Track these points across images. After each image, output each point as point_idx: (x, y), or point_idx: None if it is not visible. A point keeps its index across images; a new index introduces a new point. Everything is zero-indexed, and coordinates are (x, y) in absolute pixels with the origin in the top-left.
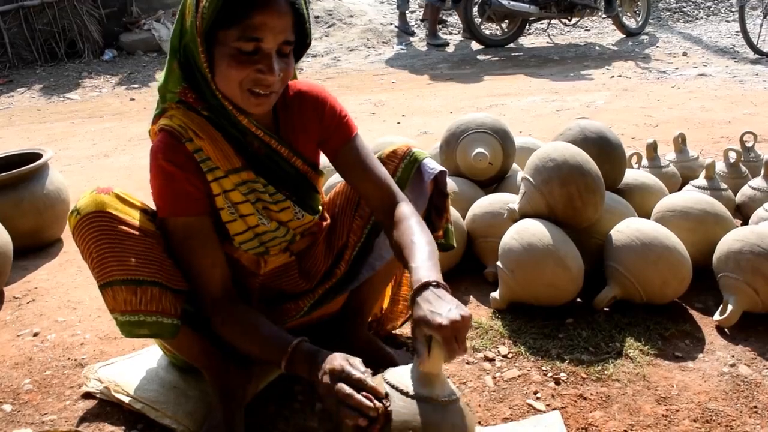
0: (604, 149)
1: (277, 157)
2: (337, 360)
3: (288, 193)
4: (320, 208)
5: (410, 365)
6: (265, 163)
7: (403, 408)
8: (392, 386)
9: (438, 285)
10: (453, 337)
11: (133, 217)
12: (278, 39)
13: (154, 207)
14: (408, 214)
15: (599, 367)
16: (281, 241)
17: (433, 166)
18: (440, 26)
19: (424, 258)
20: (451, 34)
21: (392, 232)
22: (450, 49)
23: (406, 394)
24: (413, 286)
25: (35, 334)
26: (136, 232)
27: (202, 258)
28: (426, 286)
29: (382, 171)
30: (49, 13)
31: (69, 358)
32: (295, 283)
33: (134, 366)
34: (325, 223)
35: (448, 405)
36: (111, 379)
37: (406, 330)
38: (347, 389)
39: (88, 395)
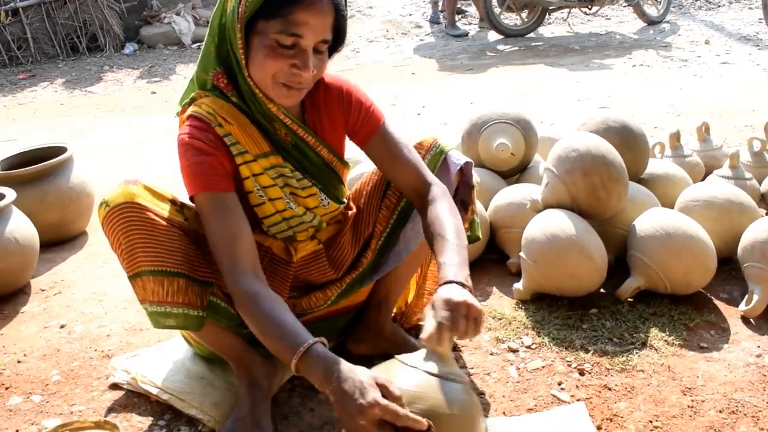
0: (627, 139)
1: (304, 145)
2: (368, 390)
3: (314, 180)
4: (345, 198)
5: (423, 350)
6: (291, 151)
7: (420, 385)
8: (406, 364)
9: (464, 286)
10: (464, 315)
11: (161, 208)
12: (317, 37)
13: (181, 198)
14: (439, 198)
15: (623, 358)
16: (308, 226)
17: (459, 157)
18: (459, 16)
19: (453, 254)
20: (470, 24)
21: (425, 217)
22: (468, 39)
23: (425, 372)
24: (439, 282)
25: (62, 326)
26: (164, 223)
27: (228, 228)
28: (450, 283)
29: (414, 156)
30: (70, 8)
31: (96, 350)
32: (323, 271)
33: (160, 357)
34: (350, 212)
35: (462, 383)
36: (138, 370)
37: None
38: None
39: (115, 386)
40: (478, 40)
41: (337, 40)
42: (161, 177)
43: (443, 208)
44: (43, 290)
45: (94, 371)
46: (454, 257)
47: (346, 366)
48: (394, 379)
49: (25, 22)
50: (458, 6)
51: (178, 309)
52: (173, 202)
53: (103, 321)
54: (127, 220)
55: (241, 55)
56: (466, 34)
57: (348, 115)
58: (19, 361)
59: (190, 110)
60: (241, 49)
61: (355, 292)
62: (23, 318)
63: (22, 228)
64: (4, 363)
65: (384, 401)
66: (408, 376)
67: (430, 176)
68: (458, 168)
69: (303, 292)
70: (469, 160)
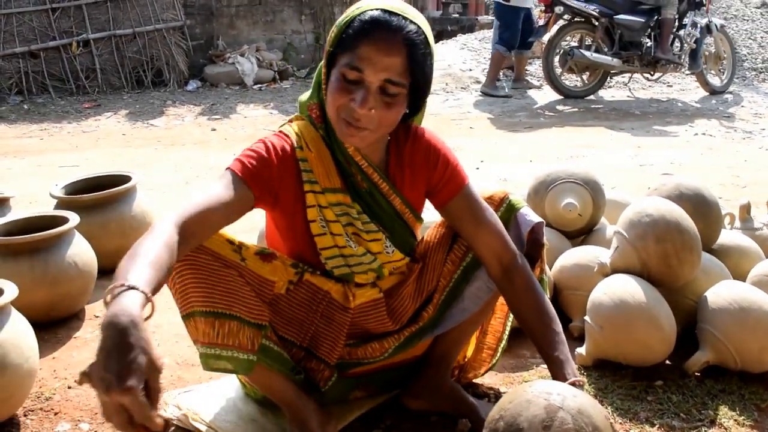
0: (701, 207)
1: (377, 191)
2: (131, 374)
3: (381, 227)
4: (413, 251)
5: None
6: (364, 196)
7: None
8: None
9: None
10: None
11: (216, 248)
12: (380, 75)
13: (239, 238)
14: (529, 275)
15: None
16: (367, 268)
17: (531, 216)
18: (525, 81)
19: (565, 350)
20: (533, 81)
21: (513, 298)
22: (526, 98)
23: None
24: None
25: None
26: (218, 263)
27: (210, 194)
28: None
29: (497, 221)
30: (139, 42)
31: None
32: (382, 321)
33: (213, 395)
34: (417, 265)
35: None
36: (189, 407)
37: (487, 380)
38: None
39: (164, 421)
40: (539, 100)
41: (418, 86)
42: None
43: (539, 289)
44: (97, 317)
45: None
46: (566, 353)
47: (133, 331)
48: None
49: (94, 53)
50: (526, 80)
51: (228, 351)
52: (230, 242)
53: None
54: (181, 260)
55: (324, 88)
56: (509, 96)
57: (433, 171)
58: (69, 387)
59: (283, 126)
60: (325, 83)
61: (413, 345)
62: (76, 343)
63: (82, 253)
64: (54, 388)
65: (141, 398)
66: None
67: (514, 249)
68: (529, 228)
69: (360, 341)
70: (541, 220)
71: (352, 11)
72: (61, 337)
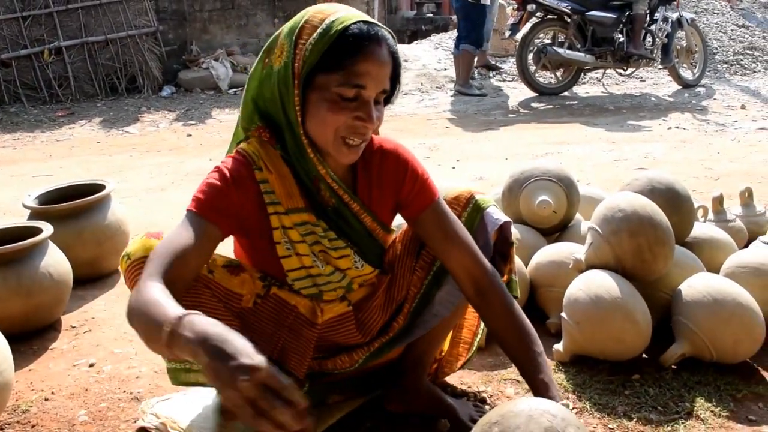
0: (673, 201)
1: (346, 210)
2: (255, 354)
3: (349, 242)
4: (382, 262)
5: None
6: (330, 213)
7: None
8: None
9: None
10: None
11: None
12: (378, 87)
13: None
14: (509, 303)
15: (669, 428)
16: (336, 286)
17: (498, 216)
18: (492, 73)
19: (548, 371)
20: (505, 81)
21: (490, 320)
22: (501, 96)
23: None
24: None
25: (91, 365)
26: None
27: (183, 242)
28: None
29: (468, 239)
30: (112, 49)
31: (124, 391)
32: (350, 335)
33: (191, 403)
34: (386, 276)
35: None
36: (168, 415)
37: (466, 379)
38: (271, 400)
39: (143, 430)
40: (513, 97)
41: (392, 90)
42: None
43: (516, 309)
44: (73, 327)
45: (122, 413)
46: (549, 372)
47: (229, 330)
48: None
49: (67, 60)
50: (493, 63)
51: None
52: None
53: (133, 362)
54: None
55: (297, 113)
56: (484, 95)
57: (402, 185)
58: (46, 399)
59: (239, 146)
60: (298, 106)
61: (383, 355)
62: (52, 355)
63: (57, 263)
64: (31, 400)
65: (272, 368)
66: None
67: (487, 265)
68: (496, 227)
69: (329, 354)
70: (508, 219)
71: (325, 28)
72: (37, 348)
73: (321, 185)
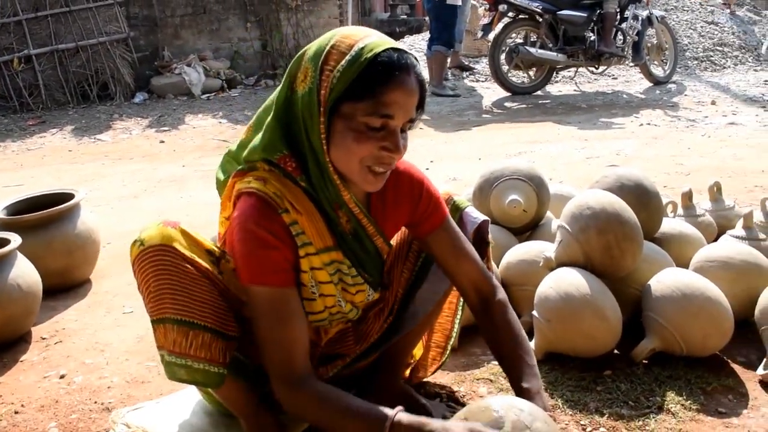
0: (641, 197)
1: (363, 234)
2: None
3: (366, 275)
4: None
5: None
6: (351, 243)
7: None
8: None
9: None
10: None
11: (197, 257)
12: (406, 117)
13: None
14: (508, 307)
15: (640, 422)
16: (347, 318)
17: (476, 215)
18: (466, 73)
19: (538, 383)
20: (478, 81)
21: (490, 330)
22: (474, 97)
23: None
24: None
25: (62, 376)
26: (198, 273)
27: (287, 332)
28: None
29: (473, 252)
30: (82, 56)
31: (96, 402)
32: (349, 348)
33: (163, 412)
34: (386, 292)
35: None
36: (139, 425)
37: (439, 379)
38: None
39: None
40: (486, 97)
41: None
42: None
43: (516, 323)
44: (44, 338)
45: (93, 424)
46: (538, 384)
47: (439, 423)
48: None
49: (37, 69)
50: (466, 63)
51: (199, 364)
52: (210, 252)
53: (104, 372)
54: (160, 263)
55: (323, 141)
56: (458, 96)
57: (417, 205)
58: (16, 412)
59: (253, 186)
60: (323, 134)
61: (371, 355)
62: (22, 367)
63: (25, 274)
64: (1, 413)
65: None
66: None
67: (492, 280)
68: (475, 226)
69: (321, 362)
70: (486, 217)
71: (354, 56)
72: (7, 361)
73: (340, 211)
